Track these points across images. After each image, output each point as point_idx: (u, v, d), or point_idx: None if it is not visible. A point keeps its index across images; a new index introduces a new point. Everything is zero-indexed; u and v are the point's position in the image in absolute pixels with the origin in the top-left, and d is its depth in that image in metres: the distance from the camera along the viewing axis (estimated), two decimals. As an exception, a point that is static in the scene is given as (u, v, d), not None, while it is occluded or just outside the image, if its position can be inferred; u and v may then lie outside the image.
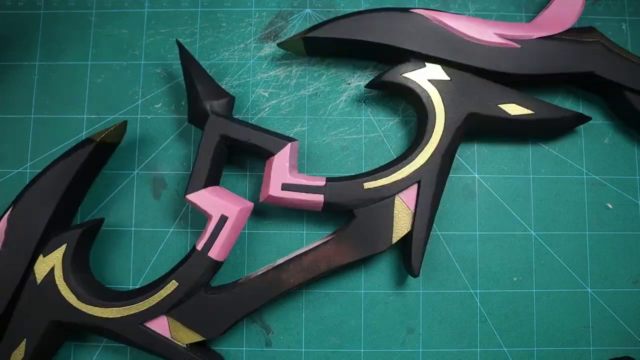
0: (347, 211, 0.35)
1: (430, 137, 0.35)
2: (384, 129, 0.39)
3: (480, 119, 0.36)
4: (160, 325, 0.33)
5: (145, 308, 0.33)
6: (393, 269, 0.38)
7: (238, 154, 0.38)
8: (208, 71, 0.37)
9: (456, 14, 0.38)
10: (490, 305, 0.37)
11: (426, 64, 0.36)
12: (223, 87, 0.38)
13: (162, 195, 0.38)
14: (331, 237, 0.35)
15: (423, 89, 0.36)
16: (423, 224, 0.34)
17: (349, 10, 0.39)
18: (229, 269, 0.37)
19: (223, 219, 0.33)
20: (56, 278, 0.32)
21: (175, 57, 0.39)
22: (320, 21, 0.39)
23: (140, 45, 0.40)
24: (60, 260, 0.33)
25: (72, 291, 0.32)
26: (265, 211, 0.38)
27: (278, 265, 0.34)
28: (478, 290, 0.37)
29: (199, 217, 0.38)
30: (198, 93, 0.35)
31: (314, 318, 0.37)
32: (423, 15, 0.36)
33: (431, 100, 0.35)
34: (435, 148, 0.35)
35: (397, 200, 0.34)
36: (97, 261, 0.37)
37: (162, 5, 0.40)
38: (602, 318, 0.37)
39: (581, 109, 0.39)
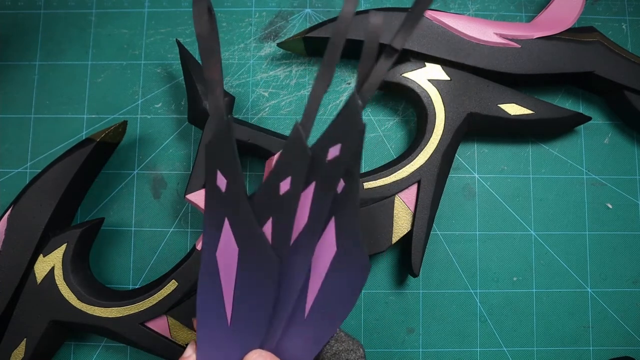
0: (347, 211, 0.35)
1: (430, 137, 0.35)
2: (384, 129, 0.39)
3: (480, 119, 0.36)
4: (160, 325, 0.33)
5: (145, 308, 0.33)
6: (393, 269, 0.38)
7: (238, 154, 0.38)
8: (208, 71, 0.37)
9: (456, 13, 0.38)
10: (490, 305, 0.37)
11: (426, 63, 0.36)
12: (223, 87, 0.38)
13: (162, 195, 0.38)
14: (331, 237, 0.35)
15: (423, 89, 0.36)
16: (423, 224, 0.34)
17: (349, 10, 0.39)
18: (229, 268, 0.37)
19: (223, 219, 0.33)
20: (56, 278, 0.32)
21: (175, 57, 0.39)
22: (320, 21, 0.39)
23: (140, 45, 0.40)
24: (60, 260, 0.33)
25: (72, 291, 0.32)
26: (265, 211, 0.38)
27: (278, 265, 0.34)
28: (478, 290, 0.37)
29: (199, 217, 0.38)
30: (198, 93, 0.35)
31: (314, 318, 0.37)
32: (423, 15, 0.36)
33: (431, 100, 0.36)
34: (435, 148, 0.35)
35: (397, 200, 0.34)
36: (97, 261, 0.37)
37: (162, 5, 0.40)
38: (602, 318, 0.37)
39: (581, 108, 0.39)
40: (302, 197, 0.24)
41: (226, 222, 0.25)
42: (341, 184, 0.25)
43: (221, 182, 0.24)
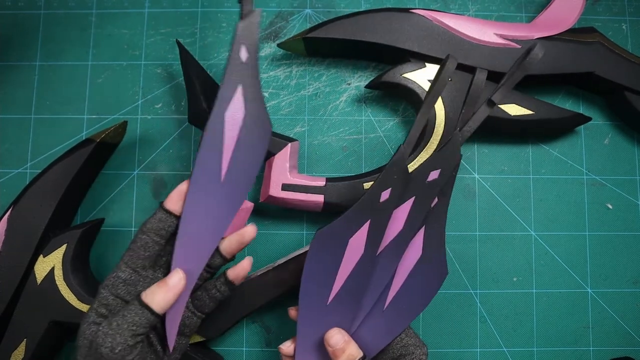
0: (347, 211, 0.35)
1: (431, 137, 0.35)
2: (384, 130, 0.39)
3: (481, 119, 0.36)
4: (161, 326, 0.33)
5: (145, 308, 0.33)
6: (393, 269, 0.38)
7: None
8: (208, 71, 0.37)
9: (456, 14, 0.38)
10: (490, 305, 0.37)
11: (426, 64, 0.36)
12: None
13: (162, 195, 0.38)
14: (331, 237, 0.35)
15: (423, 89, 0.36)
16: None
17: (349, 10, 0.39)
18: (229, 269, 0.37)
19: (223, 219, 0.33)
20: (56, 278, 0.32)
21: (175, 57, 0.39)
22: (320, 21, 0.39)
23: (140, 46, 0.40)
24: (61, 261, 0.33)
25: (72, 291, 0.32)
26: (266, 211, 0.38)
27: (278, 265, 0.34)
28: (478, 291, 0.37)
29: (199, 218, 0.38)
30: (198, 93, 0.35)
31: (314, 318, 0.37)
32: (423, 16, 0.36)
33: (431, 101, 0.35)
34: (436, 148, 0.35)
35: (398, 201, 0.35)
36: (98, 262, 0.37)
37: (163, 6, 0.40)
38: (602, 318, 0.37)
39: (581, 109, 0.39)
40: (401, 208, 0.30)
41: (239, 88, 0.29)
42: (434, 201, 0.30)
43: (244, 55, 0.29)
